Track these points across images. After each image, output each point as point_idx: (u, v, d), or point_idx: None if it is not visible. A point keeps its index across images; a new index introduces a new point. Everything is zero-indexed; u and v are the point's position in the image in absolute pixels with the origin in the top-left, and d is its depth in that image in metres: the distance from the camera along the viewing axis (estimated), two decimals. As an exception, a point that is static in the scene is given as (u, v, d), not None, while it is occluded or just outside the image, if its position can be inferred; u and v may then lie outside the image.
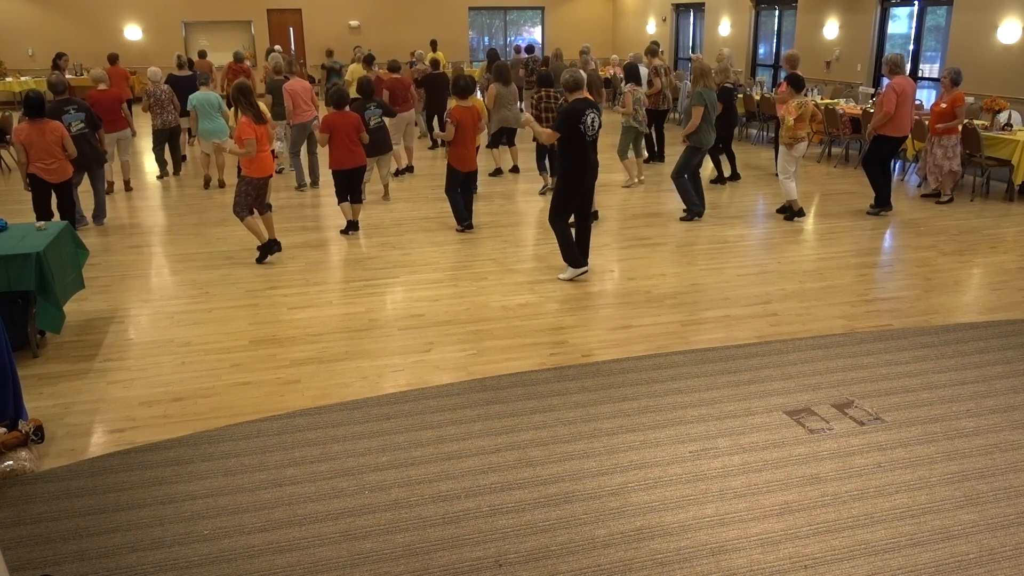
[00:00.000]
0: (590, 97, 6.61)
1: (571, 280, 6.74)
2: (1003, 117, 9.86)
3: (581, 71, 6.72)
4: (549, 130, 6.55)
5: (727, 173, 10.73)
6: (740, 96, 12.85)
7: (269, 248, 7.35)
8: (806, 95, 8.78)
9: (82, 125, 8.38)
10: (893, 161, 11.61)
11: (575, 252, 6.73)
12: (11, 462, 3.95)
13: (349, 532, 3.51)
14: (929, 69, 13.21)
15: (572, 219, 6.73)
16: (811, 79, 13.59)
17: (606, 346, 5.43)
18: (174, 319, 6.03)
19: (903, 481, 3.82)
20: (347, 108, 8.01)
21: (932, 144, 9.38)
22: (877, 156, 8.79)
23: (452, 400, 4.69)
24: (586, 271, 6.82)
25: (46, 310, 5.28)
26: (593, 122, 6.40)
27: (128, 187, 10.52)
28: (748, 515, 3.58)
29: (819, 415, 4.46)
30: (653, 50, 12.24)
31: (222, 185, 10.58)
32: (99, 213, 8.86)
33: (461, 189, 8.23)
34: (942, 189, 9.43)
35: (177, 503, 3.73)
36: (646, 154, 11.73)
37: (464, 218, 8.27)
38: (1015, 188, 9.53)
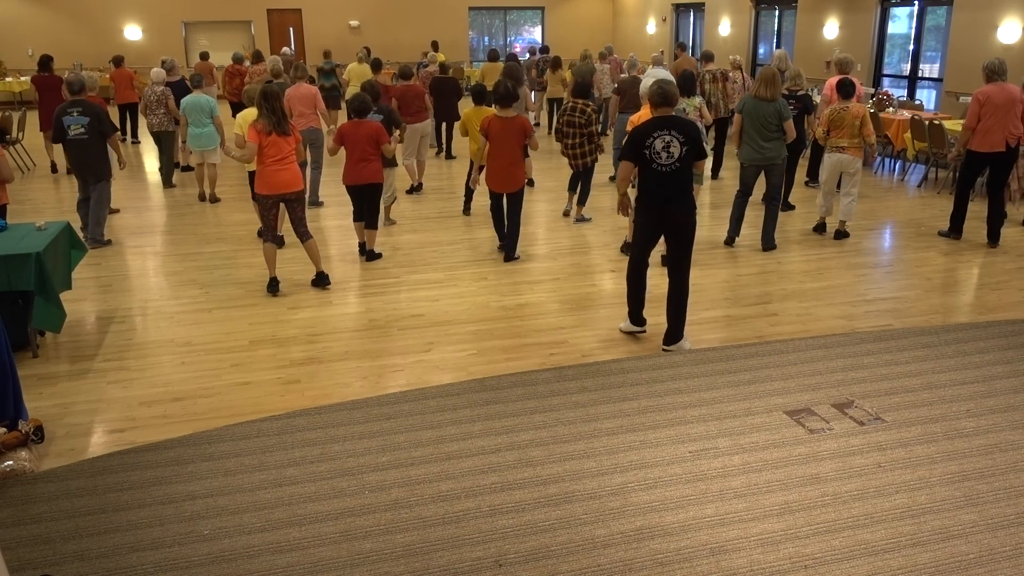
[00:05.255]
0: (677, 115, 5.21)
1: (625, 332, 5.64)
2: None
3: (672, 82, 5.34)
4: (622, 174, 5.26)
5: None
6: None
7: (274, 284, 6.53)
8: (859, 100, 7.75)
9: (82, 130, 7.60)
10: (893, 160, 11.70)
11: (634, 303, 5.48)
12: (11, 462, 3.96)
13: (349, 532, 3.51)
14: (929, 69, 13.21)
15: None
16: (811, 79, 13.57)
17: (606, 346, 5.43)
18: (174, 319, 6.03)
19: (903, 481, 3.82)
20: (366, 117, 7.10)
21: None
22: (964, 174, 7.77)
23: (452, 400, 4.69)
24: (642, 331, 5.56)
25: (46, 309, 5.28)
26: (668, 147, 5.01)
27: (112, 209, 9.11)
28: (748, 515, 3.58)
29: (819, 415, 4.46)
30: (709, 55, 11.02)
31: (214, 200, 9.80)
32: (93, 232, 7.82)
33: (498, 208, 7.45)
34: None
35: (177, 503, 3.73)
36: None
37: (500, 238, 7.57)
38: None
